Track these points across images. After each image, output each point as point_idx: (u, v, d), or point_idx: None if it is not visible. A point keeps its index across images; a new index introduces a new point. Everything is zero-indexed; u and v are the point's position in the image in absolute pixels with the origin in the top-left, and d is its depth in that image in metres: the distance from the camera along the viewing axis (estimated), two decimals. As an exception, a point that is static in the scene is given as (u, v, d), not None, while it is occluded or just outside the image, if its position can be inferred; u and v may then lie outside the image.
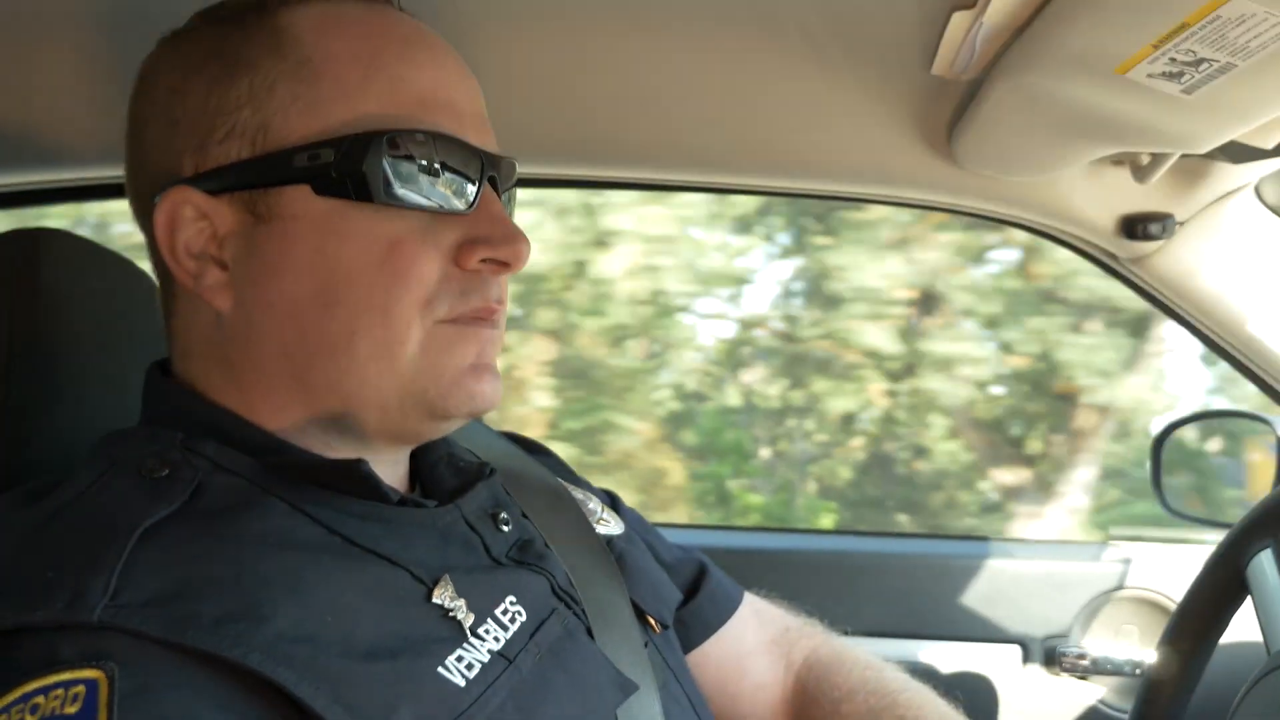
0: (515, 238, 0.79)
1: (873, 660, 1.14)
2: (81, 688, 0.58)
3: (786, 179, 1.39)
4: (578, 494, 1.03)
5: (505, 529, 0.85)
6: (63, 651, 0.60)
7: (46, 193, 1.41)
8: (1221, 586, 1.14)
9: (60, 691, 0.58)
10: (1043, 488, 5.01)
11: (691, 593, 1.10)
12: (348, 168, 0.73)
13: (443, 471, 0.89)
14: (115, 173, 1.32)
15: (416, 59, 0.79)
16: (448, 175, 0.77)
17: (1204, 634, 1.16)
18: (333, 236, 0.74)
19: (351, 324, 0.74)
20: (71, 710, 0.57)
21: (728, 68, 1.17)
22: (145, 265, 1.05)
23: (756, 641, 1.15)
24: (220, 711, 0.60)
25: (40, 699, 0.58)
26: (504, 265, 0.79)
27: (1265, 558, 1.09)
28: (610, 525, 1.02)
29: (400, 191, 0.74)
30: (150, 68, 0.82)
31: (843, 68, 1.15)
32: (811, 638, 1.18)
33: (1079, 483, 5.18)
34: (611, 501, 1.12)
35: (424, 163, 0.75)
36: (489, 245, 0.77)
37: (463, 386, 0.78)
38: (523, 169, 1.33)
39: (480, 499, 0.85)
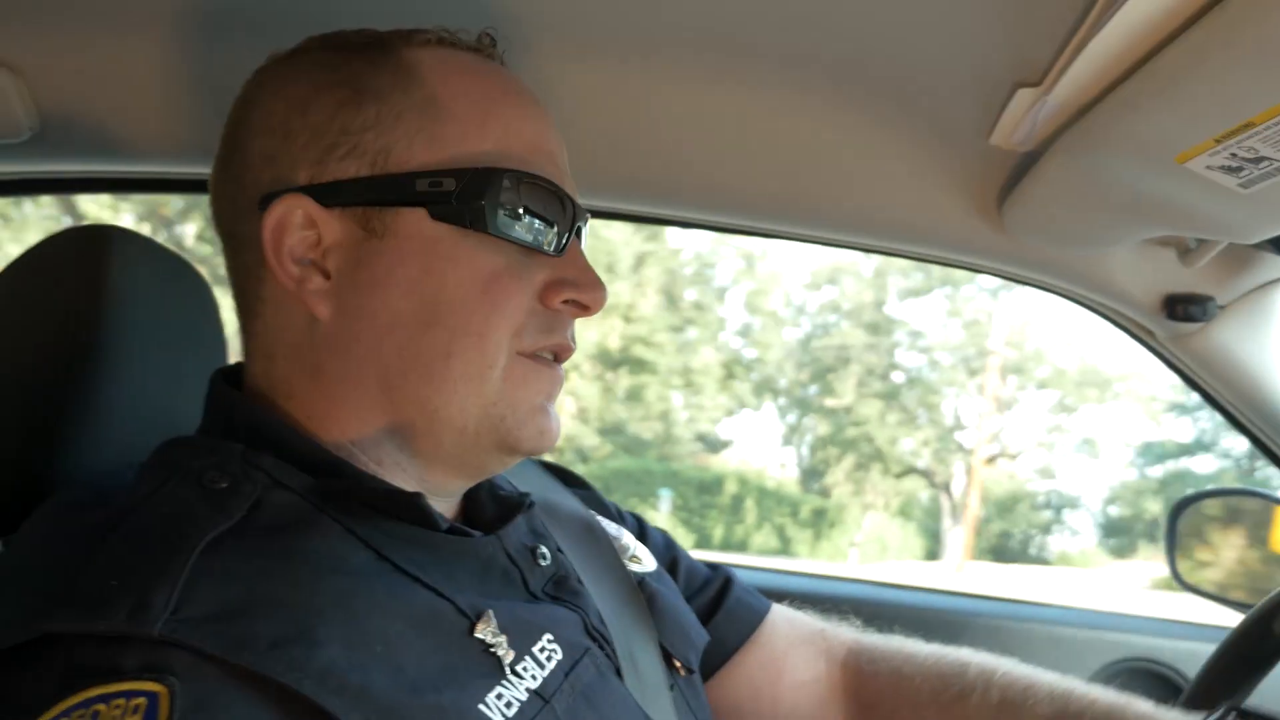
0: (598, 284, 0.84)
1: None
2: (143, 700, 0.59)
3: (838, 231, 1.40)
4: (611, 529, 1.04)
5: (543, 563, 0.87)
6: (126, 662, 0.60)
7: (113, 182, 1.43)
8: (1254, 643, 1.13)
9: (122, 701, 0.59)
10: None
11: (714, 609, 1.12)
12: (467, 198, 0.78)
13: (485, 500, 0.90)
14: (181, 169, 1.36)
15: (525, 110, 0.84)
16: (546, 219, 0.82)
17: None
18: (440, 260, 0.78)
19: (449, 344, 0.78)
20: None
21: (794, 122, 1.19)
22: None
23: (788, 644, 1.15)
24: None
25: (101, 706, 0.59)
26: (584, 308, 0.84)
27: None
28: (642, 563, 1.03)
29: (509, 226, 0.79)
30: (265, 80, 0.85)
31: (904, 130, 1.17)
32: (849, 632, 1.19)
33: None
34: (639, 525, 1.14)
35: (530, 204, 0.80)
36: (575, 288, 0.83)
37: (535, 421, 0.82)
38: (588, 202, 1.36)
39: (520, 531, 0.87)
